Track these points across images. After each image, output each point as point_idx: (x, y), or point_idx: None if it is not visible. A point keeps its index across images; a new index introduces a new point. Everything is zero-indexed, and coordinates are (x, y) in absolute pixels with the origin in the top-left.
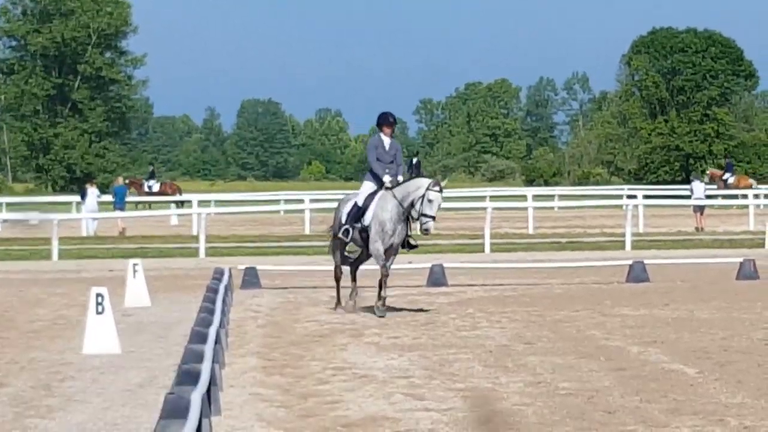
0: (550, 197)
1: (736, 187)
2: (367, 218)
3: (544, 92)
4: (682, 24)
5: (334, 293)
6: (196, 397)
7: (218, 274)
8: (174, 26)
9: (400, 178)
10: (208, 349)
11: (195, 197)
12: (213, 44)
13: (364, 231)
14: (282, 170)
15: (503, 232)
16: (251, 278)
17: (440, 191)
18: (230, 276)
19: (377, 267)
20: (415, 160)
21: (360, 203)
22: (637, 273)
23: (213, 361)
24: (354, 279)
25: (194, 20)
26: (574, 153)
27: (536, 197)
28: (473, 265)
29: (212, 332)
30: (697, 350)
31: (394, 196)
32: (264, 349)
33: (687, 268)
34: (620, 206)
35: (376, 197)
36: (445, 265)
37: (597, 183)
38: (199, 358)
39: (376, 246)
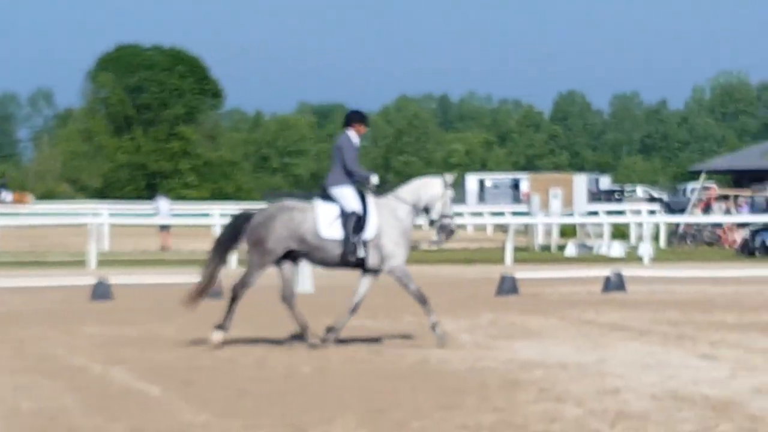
0: (15, 216)
1: (20, 202)
2: (371, 231)
3: (8, 108)
4: (149, 41)
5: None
6: None
7: None
8: None
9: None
10: None
11: None
12: None
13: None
14: None
15: None
16: None
17: None
18: None
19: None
20: None
21: (360, 212)
22: (102, 291)
23: None
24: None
25: None
26: (38, 170)
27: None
28: None
29: None
30: (162, 368)
31: (404, 201)
32: None
33: (153, 287)
34: (85, 224)
35: (371, 204)
36: None
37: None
38: None
39: (398, 263)
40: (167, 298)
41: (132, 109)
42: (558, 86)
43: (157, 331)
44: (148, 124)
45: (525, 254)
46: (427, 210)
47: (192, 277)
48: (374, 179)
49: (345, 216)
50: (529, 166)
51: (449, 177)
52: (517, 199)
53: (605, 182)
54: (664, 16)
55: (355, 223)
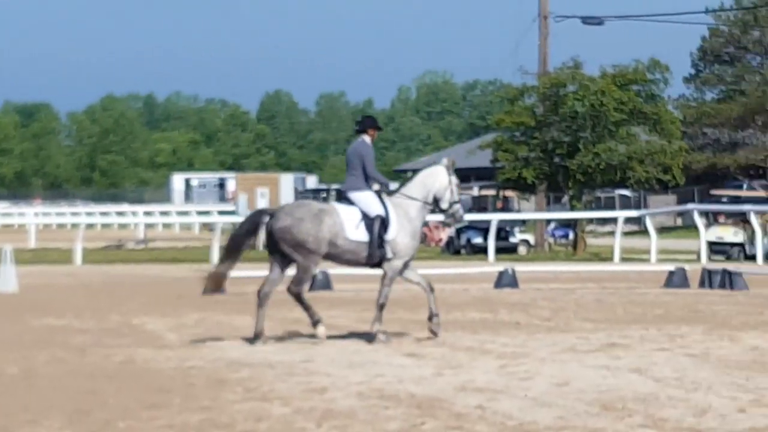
0: None
1: None
2: (392, 232)
3: None
4: None
5: None
6: None
7: None
8: None
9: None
10: None
11: None
12: None
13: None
14: None
15: None
16: None
17: None
18: None
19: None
20: None
21: (384, 214)
22: None
23: None
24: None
25: None
26: None
27: None
28: None
29: None
30: None
31: (415, 198)
32: None
33: None
34: None
35: (388, 205)
36: None
37: None
38: None
39: (397, 264)
40: None
41: None
42: (264, 86)
43: None
44: None
45: None
46: (436, 200)
47: None
48: (392, 186)
49: (369, 219)
50: (236, 165)
51: (449, 162)
52: (223, 199)
53: (312, 181)
54: (369, 15)
55: (380, 225)
